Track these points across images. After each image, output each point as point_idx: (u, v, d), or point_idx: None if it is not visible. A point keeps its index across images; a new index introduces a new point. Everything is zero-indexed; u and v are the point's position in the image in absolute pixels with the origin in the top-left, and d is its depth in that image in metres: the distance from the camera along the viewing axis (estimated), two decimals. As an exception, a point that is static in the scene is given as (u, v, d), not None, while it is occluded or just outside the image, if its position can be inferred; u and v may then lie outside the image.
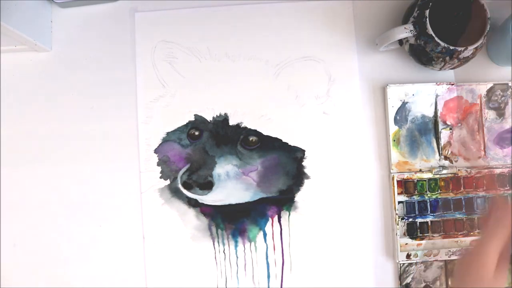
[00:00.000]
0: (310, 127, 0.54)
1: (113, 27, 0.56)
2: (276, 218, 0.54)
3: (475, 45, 0.49)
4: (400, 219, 0.54)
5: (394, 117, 0.54)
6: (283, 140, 0.54)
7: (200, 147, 0.54)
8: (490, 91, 0.55)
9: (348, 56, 0.56)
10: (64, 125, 0.55)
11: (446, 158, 0.55)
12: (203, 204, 0.54)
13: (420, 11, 0.49)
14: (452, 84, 0.55)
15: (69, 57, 0.56)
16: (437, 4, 0.49)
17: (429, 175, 0.54)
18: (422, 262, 0.54)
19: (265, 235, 0.54)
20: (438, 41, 0.48)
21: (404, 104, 0.55)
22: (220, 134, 0.54)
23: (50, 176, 0.54)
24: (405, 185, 0.54)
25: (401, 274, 0.54)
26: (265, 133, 0.54)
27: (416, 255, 0.53)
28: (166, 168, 0.54)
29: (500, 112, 0.55)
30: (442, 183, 0.54)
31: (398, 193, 0.54)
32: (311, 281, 0.54)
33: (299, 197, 0.54)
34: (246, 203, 0.54)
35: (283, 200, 0.54)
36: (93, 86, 0.55)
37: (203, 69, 0.55)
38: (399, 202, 0.54)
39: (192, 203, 0.54)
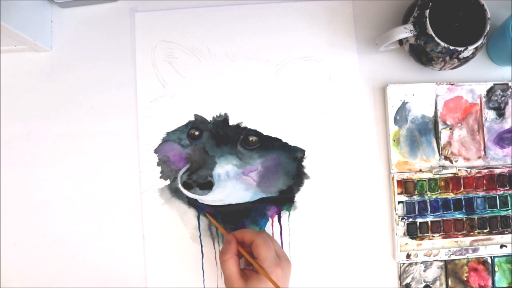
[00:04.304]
0: (310, 127, 0.54)
1: (113, 27, 0.56)
2: (276, 218, 0.54)
3: (475, 45, 0.49)
4: (400, 219, 0.54)
5: (394, 117, 0.54)
6: (283, 140, 0.54)
7: (200, 147, 0.54)
8: (490, 91, 0.55)
9: (348, 56, 0.56)
10: (64, 125, 0.55)
11: (446, 158, 0.55)
12: (203, 204, 0.54)
13: (420, 11, 0.49)
14: (452, 84, 0.55)
15: (69, 57, 0.56)
16: (437, 4, 0.49)
17: (429, 175, 0.54)
18: (422, 262, 0.54)
19: (265, 235, 0.54)
20: (438, 41, 0.48)
21: (404, 104, 0.54)
22: (220, 134, 0.54)
23: (50, 176, 0.54)
24: (405, 185, 0.54)
25: (401, 274, 0.54)
26: (265, 133, 0.54)
27: (416, 255, 0.53)
28: (166, 168, 0.54)
29: (500, 112, 0.55)
30: (442, 183, 0.54)
31: (398, 193, 0.54)
32: (311, 281, 0.54)
33: (299, 197, 0.54)
34: (246, 203, 0.54)
35: (283, 200, 0.54)
36: (93, 86, 0.55)
37: (203, 69, 0.55)
38: (399, 202, 0.54)
39: (192, 203, 0.54)
